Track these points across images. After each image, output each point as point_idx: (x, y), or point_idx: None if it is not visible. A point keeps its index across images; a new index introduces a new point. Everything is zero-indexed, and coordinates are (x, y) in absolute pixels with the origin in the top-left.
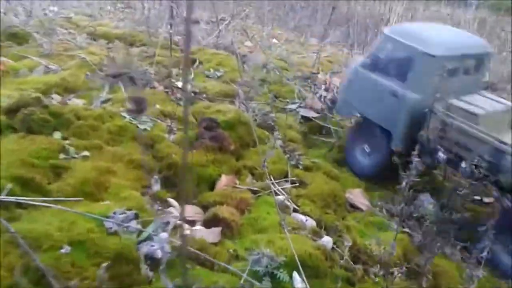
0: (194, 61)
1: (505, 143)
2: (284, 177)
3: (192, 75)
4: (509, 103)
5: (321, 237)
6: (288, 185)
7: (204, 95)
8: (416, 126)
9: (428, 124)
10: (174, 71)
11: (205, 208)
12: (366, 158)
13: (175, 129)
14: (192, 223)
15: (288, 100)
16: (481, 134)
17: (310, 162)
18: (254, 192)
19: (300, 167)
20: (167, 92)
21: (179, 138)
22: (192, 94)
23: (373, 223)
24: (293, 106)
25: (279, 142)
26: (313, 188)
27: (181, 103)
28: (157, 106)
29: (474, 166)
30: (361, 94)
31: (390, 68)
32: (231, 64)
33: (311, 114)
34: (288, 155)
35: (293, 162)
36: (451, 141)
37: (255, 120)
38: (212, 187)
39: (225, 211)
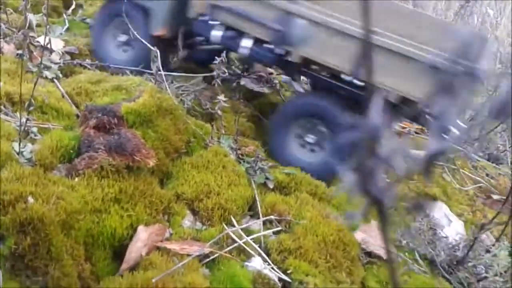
0: (68, 2)
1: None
2: (249, 210)
3: (66, 25)
4: None
5: None
6: (262, 231)
7: (89, 60)
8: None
9: None
10: (34, 18)
11: None
12: (121, 49)
13: (34, 131)
14: None
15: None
16: None
17: (282, 174)
18: (206, 256)
19: (271, 186)
20: (20, 56)
21: (42, 151)
22: (67, 57)
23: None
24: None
25: (226, 143)
26: (304, 232)
27: (48, 75)
28: (1, 83)
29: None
30: None
31: None
32: None
33: (260, 87)
34: (248, 165)
35: (257, 179)
36: (228, 12)
37: (181, 102)
38: (119, 255)
39: None
